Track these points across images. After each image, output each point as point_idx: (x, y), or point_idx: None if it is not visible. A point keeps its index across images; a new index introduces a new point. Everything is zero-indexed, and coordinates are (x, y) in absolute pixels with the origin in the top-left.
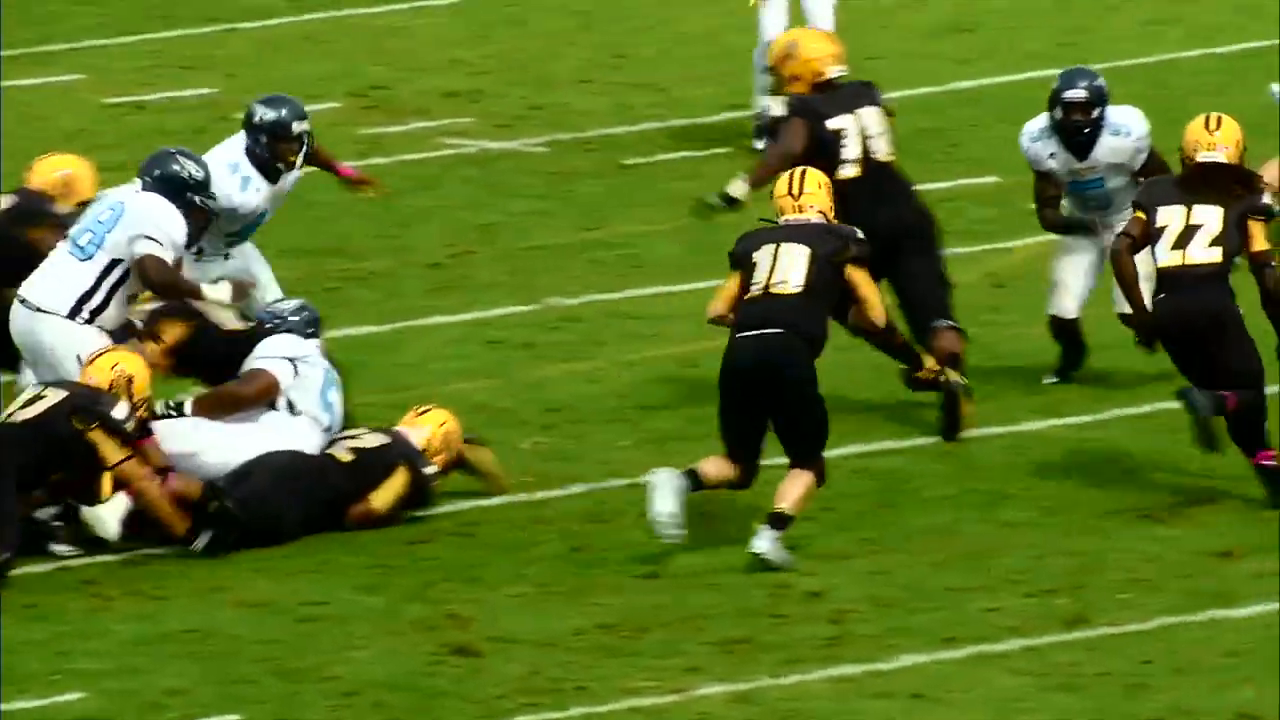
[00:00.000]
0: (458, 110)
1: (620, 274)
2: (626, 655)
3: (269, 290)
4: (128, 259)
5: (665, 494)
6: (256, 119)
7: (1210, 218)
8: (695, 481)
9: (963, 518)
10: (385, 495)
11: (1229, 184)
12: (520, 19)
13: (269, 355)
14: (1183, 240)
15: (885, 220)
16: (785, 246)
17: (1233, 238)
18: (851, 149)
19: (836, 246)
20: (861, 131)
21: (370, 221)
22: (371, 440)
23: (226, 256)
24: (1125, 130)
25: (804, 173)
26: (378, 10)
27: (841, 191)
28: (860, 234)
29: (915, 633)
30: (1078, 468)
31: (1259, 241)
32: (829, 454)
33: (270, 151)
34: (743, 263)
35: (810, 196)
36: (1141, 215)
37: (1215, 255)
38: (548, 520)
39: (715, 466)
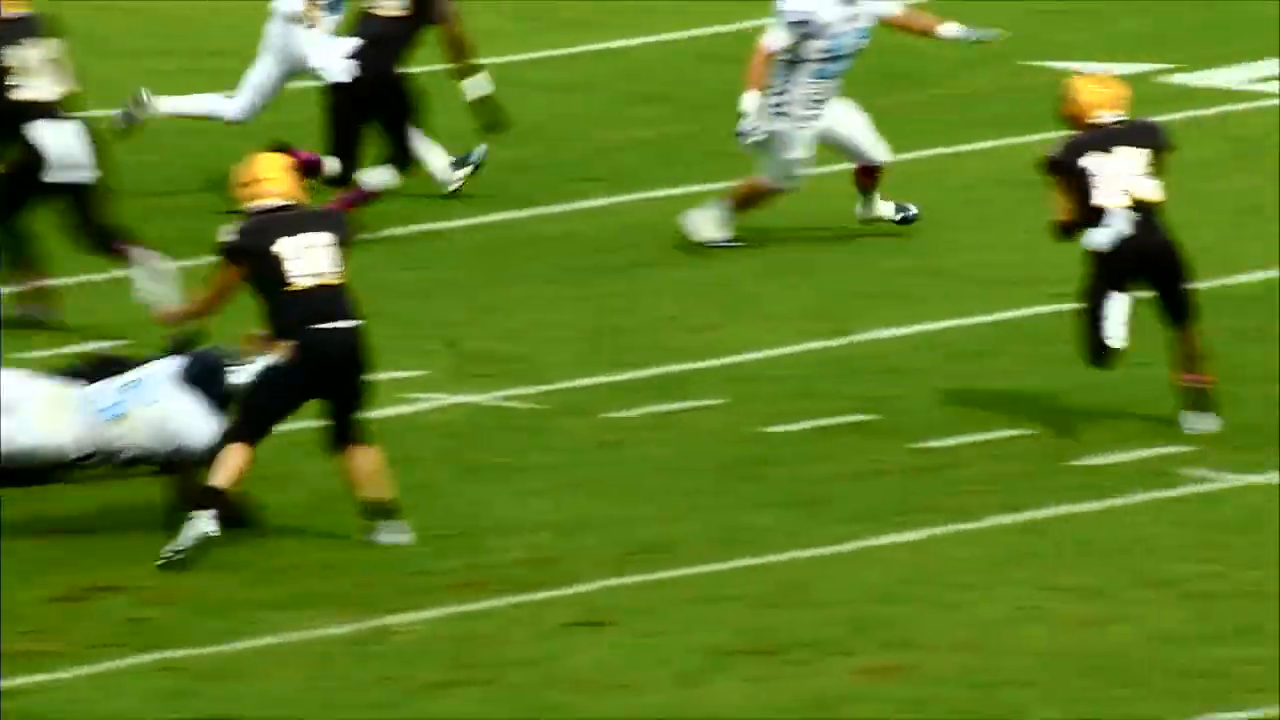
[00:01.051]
0: None
1: None
2: None
3: None
4: None
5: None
6: None
7: None
8: (225, 504)
9: None
10: None
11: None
12: None
13: None
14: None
15: None
16: (307, 236)
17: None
18: None
19: (346, 233)
20: None
21: None
22: None
23: None
24: None
25: (256, 158)
26: None
27: None
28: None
29: None
30: None
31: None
32: None
33: None
34: (256, 254)
35: (272, 182)
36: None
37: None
38: None
39: (235, 469)
